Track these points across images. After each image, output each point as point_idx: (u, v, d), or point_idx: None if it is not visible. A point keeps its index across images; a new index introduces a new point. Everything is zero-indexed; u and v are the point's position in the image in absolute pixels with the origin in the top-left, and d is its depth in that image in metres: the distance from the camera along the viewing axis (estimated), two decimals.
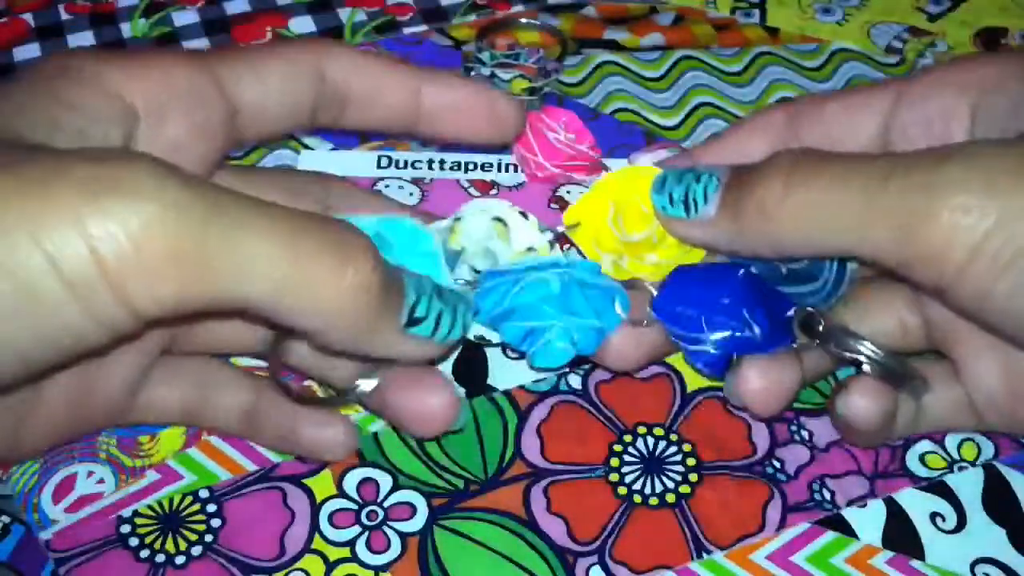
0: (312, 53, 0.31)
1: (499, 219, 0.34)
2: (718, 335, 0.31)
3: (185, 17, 0.50)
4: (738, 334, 0.31)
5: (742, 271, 0.31)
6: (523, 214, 0.34)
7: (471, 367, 0.36)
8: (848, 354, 0.31)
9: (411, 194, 0.42)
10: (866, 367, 0.31)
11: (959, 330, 0.31)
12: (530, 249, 0.34)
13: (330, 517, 0.33)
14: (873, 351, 0.30)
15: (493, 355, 0.37)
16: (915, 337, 0.33)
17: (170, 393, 0.32)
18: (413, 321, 0.28)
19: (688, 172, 0.32)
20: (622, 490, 0.33)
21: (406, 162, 0.43)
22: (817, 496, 0.33)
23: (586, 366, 0.36)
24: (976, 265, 0.25)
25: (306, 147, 0.44)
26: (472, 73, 0.46)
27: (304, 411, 0.32)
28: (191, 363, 0.33)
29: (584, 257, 0.35)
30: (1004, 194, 0.25)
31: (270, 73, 0.31)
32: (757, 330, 0.31)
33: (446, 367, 0.36)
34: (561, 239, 0.35)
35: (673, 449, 0.34)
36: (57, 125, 0.26)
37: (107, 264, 0.22)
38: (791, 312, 0.32)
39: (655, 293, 0.32)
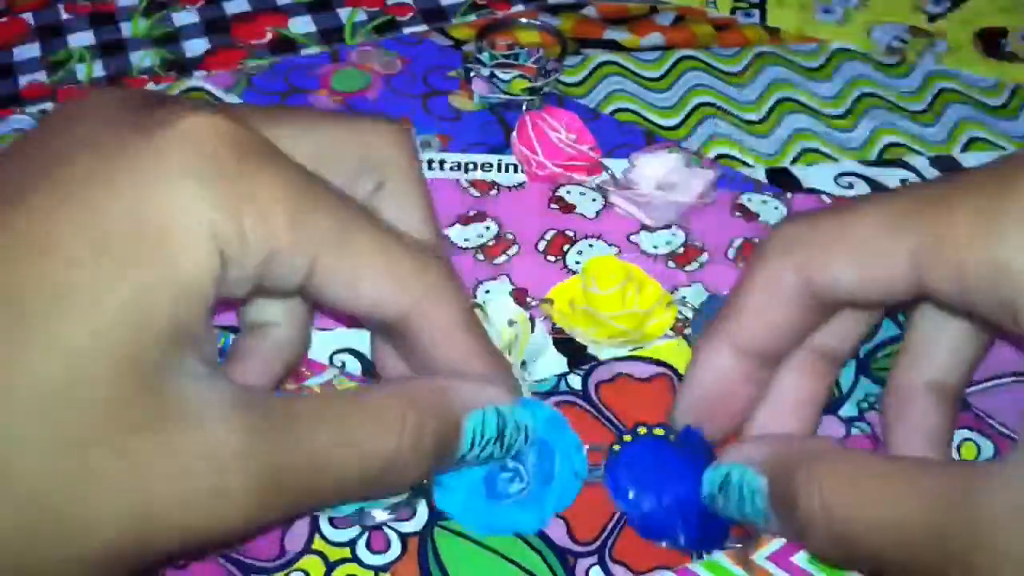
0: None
1: (476, 305, 0.36)
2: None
3: (185, 17, 0.50)
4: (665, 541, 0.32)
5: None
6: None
7: None
8: None
9: None
10: None
11: None
12: (511, 323, 0.36)
13: (330, 517, 0.33)
14: None
15: None
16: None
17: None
18: (463, 461, 0.30)
19: (728, 477, 0.30)
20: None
21: None
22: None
23: (586, 366, 0.36)
24: None
25: None
26: (472, 74, 0.46)
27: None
28: None
29: (556, 330, 0.37)
30: None
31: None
32: (682, 539, 0.31)
33: None
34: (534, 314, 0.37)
35: None
36: None
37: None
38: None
39: (613, 450, 0.33)
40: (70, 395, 0.22)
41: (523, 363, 0.36)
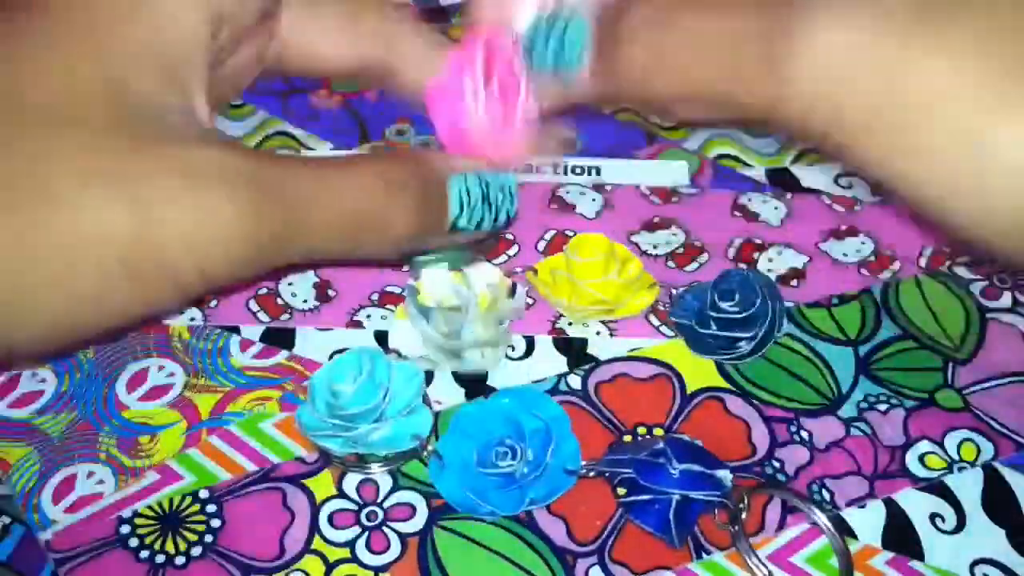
0: None
1: (457, 269, 0.36)
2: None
3: None
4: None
5: (676, 497, 0.32)
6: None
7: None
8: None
9: None
10: None
11: None
12: (490, 285, 0.36)
13: (330, 517, 0.33)
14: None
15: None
16: None
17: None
18: (456, 229, 0.29)
19: (557, 19, 0.29)
20: (622, 490, 0.33)
21: None
22: (817, 497, 0.33)
23: (586, 366, 0.36)
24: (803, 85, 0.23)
25: (306, 147, 0.44)
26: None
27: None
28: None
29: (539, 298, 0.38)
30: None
31: None
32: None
33: (447, 369, 0.36)
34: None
35: None
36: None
37: (162, 248, 0.23)
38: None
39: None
40: (71, 114, 0.22)
41: (499, 321, 0.36)
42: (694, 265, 0.40)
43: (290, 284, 0.39)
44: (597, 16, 0.28)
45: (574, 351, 0.37)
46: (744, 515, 0.32)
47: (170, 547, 0.32)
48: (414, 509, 0.33)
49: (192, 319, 0.38)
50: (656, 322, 0.38)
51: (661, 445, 0.32)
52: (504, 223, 0.30)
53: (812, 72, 0.23)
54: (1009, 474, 0.34)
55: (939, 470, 0.34)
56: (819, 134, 0.24)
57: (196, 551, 0.32)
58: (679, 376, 0.36)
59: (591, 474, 0.33)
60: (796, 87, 0.23)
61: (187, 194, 0.23)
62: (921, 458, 0.34)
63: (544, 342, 0.37)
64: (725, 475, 0.32)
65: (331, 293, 0.39)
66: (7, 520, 0.32)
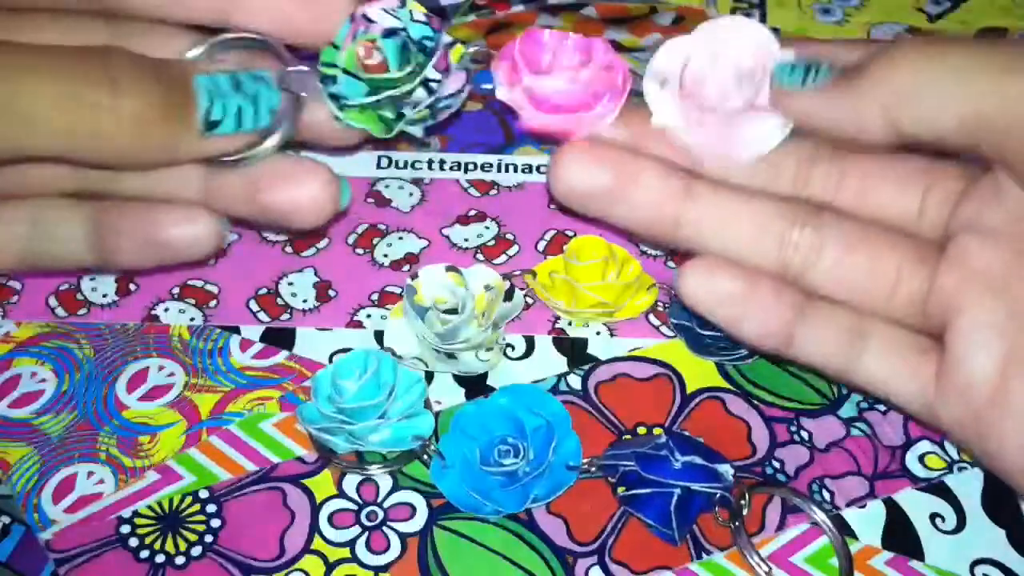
0: None
1: (451, 268, 0.36)
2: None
3: None
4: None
5: (677, 491, 0.32)
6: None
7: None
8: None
9: (411, 194, 0.42)
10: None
11: (968, 297, 0.29)
12: (488, 287, 0.36)
13: (330, 517, 0.33)
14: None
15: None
16: (904, 300, 0.31)
17: (5, 233, 0.31)
18: (212, 124, 0.28)
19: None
20: (622, 490, 0.33)
21: (406, 162, 0.43)
22: (817, 497, 0.33)
23: (586, 366, 0.36)
24: None
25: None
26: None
27: (162, 210, 0.31)
28: (21, 203, 0.31)
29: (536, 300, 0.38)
30: None
31: None
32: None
33: (448, 370, 0.36)
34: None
35: None
36: None
37: None
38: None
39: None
40: None
41: (495, 325, 0.36)
42: None
43: (290, 284, 0.39)
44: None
45: (574, 351, 0.37)
46: (746, 511, 0.32)
47: (170, 547, 0.32)
48: (414, 509, 0.33)
49: (192, 319, 0.38)
50: (656, 322, 0.38)
51: (664, 439, 0.32)
52: (269, 118, 0.29)
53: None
54: None
55: (939, 470, 0.34)
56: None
57: (196, 551, 0.32)
58: (679, 376, 0.36)
59: (593, 469, 0.33)
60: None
61: None
62: (921, 458, 0.34)
63: (544, 342, 0.37)
64: (727, 470, 0.32)
65: (331, 293, 0.39)
66: (7, 520, 0.32)
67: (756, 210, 0.31)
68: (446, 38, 0.30)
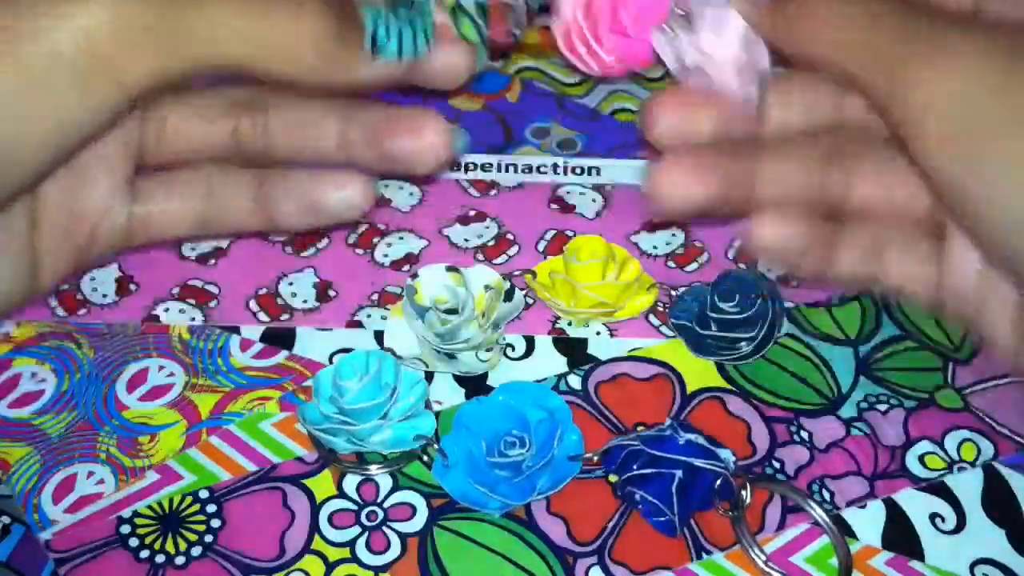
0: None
1: (452, 268, 0.37)
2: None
3: None
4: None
5: (679, 472, 0.32)
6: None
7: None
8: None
9: (411, 194, 0.42)
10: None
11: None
12: (488, 287, 0.36)
13: (330, 517, 0.33)
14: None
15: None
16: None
17: (178, 204, 0.32)
18: (377, 46, 0.30)
19: None
20: (622, 478, 0.33)
21: None
22: (817, 497, 0.33)
23: (586, 366, 0.36)
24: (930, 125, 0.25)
25: None
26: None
27: (321, 175, 0.32)
28: (189, 173, 0.33)
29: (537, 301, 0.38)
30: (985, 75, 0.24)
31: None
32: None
33: (448, 371, 0.36)
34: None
35: None
36: None
37: (97, 48, 0.25)
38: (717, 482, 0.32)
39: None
40: None
41: (495, 325, 0.36)
42: (694, 265, 0.40)
43: (290, 284, 0.39)
44: None
45: (574, 351, 0.37)
46: (748, 500, 0.32)
47: (170, 547, 0.32)
48: (414, 509, 0.33)
49: (192, 319, 0.38)
50: (656, 322, 0.38)
51: (668, 422, 0.33)
52: (425, 43, 0.30)
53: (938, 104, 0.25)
54: (1009, 474, 0.34)
55: (939, 470, 0.34)
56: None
57: (196, 551, 0.32)
58: (679, 376, 0.36)
59: (596, 459, 0.33)
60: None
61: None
62: (921, 458, 0.34)
63: (544, 342, 0.37)
64: (728, 455, 0.32)
65: (331, 293, 0.39)
66: (7, 520, 0.32)
67: (803, 156, 0.31)
68: None
